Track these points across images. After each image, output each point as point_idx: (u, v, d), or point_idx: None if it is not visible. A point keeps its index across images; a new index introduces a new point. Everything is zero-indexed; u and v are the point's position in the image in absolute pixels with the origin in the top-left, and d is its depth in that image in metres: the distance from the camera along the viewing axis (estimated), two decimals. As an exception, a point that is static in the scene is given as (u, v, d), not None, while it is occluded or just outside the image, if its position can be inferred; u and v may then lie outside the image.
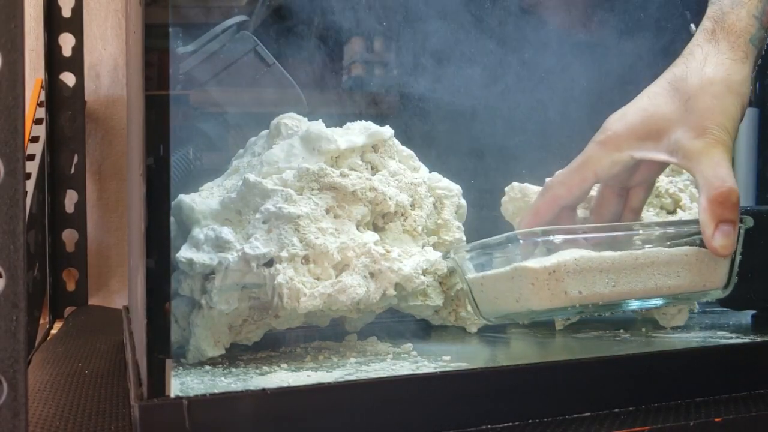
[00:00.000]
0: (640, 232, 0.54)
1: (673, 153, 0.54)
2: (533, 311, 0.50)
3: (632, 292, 0.51)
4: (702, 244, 0.52)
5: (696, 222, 0.52)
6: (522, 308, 0.50)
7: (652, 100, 0.56)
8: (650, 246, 0.52)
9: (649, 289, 0.51)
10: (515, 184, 0.65)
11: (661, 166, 0.59)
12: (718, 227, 0.51)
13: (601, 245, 0.51)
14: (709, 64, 0.55)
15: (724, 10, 0.56)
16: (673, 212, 0.65)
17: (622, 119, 0.57)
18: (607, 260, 0.50)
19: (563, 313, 0.50)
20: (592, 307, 0.50)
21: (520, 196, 0.64)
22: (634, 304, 0.52)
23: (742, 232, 0.54)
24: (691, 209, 0.64)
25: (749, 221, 0.54)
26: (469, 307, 0.58)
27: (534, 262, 0.49)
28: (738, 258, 0.54)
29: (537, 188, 0.64)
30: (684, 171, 0.66)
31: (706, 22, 0.57)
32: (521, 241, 0.50)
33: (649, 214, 0.63)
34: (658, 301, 0.53)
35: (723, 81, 0.54)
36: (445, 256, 0.57)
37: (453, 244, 0.60)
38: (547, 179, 0.59)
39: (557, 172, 0.59)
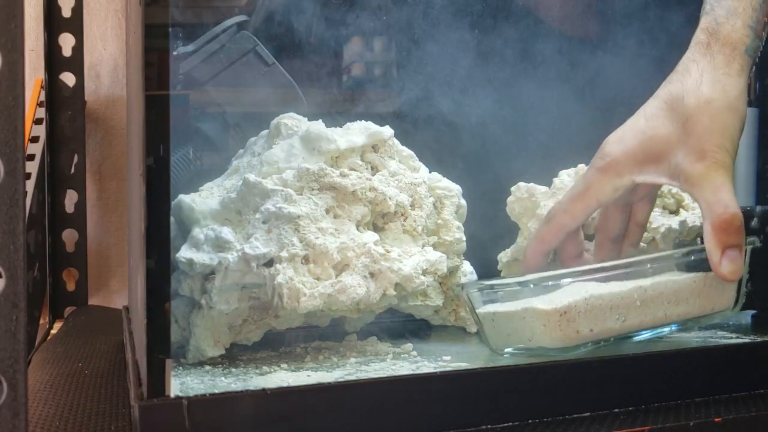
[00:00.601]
0: (649, 266, 0.53)
1: (674, 177, 0.53)
2: (546, 349, 0.50)
3: (642, 324, 0.51)
4: (708, 269, 0.52)
5: (702, 249, 0.52)
6: (534, 345, 0.50)
7: (650, 122, 0.55)
8: (658, 276, 0.53)
9: (659, 318, 0.52)
10: (521, 184, 0.65)
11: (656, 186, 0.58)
12: (724, 253, 0.51)
13: (609, 277, 0.52)
14: (706, 81, 0.54)
15: (719, 21, 0.55)
16: (675, 212, 0.65)
17: (620, 143, 0.55)
18: (616, 296, 0.51)
19: (576, 350, 0.50)
20: (603, 342, 0.51)
21: (527, 196, 0.64)
22: (645, 335, 0.53)
23: (748, 252, 0.54)
24: (694, 209, 0.65)
25: (756, 241, 0.54)
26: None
27: (545, 303, 0.49)
28: (746, 277, 0.54)
29: (543, 188, 0.64)
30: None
31: (700, 35, 0.55)
32: (532, 286, 0.51)
33: (654, 215, 0.63)
34: (669, 329, 0.53)
35: (720, 99, 0.53)
36: (460, 288, 0.56)
37: (453, 245, 0.60)
38: (552, 205, 0.59)
39: (560, 201, 0.59)
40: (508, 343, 0.52)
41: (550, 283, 0.51)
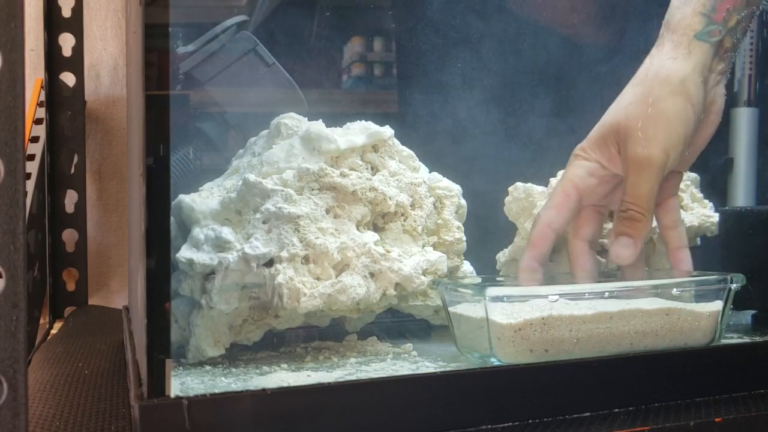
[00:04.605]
0: (620, 292, 0.52)
1: (616, 164, 0.56)
2: (501, 362, 0.49)
3: (604, 351, 0.50)
4: (686, 301, 0.52)
5: (686, 279, 0.53)
6: (489, 355, 0.49)
7: (613, 107, 0.57)
8: (630, 303, 0.51)
9: (623, 347, 0.50)
10: (519, 184, 0.65)
11: (673, 184, 0.58)
12: (617, 239, 0.55)
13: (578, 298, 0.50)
14: (653, 66, 0.55)
15: (672, 11, 0.57)
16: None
17: (593, 129, 0.58)
18: (577, 319, 0.49)
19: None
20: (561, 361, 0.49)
21: (524, 196, 0.64)
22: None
23: (732, 291, 0.53)
24: (692, 209, 0.64)
25: (741, 279, 0.53)
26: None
27: (502, 316, 0.48)
28: (727, 314, 0.53)
29: (541, 188, 0.64)
30: (684, 172, 0.66)
31: (661, 30, 0.57)
32: (487, 299, 0.48)
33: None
34: None
35: (664, 83, 0.54)
36: (436, 283, 0.56)
37: (453, 245, 0.60)
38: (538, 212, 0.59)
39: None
40: (472, 347, 0.51)
41: (507, 297, 0.49)
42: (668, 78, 0.54)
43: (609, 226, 0.62)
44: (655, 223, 0.62)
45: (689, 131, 0.55)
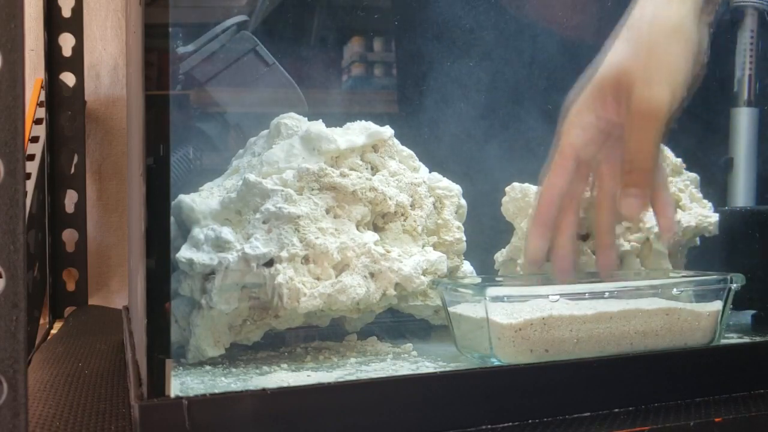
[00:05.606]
0: (622, 292, 0.52)
1: (620, 114, 0.54)
2: (501, 362, 0.49)
3: (604, 351, 0.50)
4: (686, 301, 0.52)
5: (686, 279, 0.52)
6: (490, 356, 0.49)
7: (608, 59, 0.55)
8: (630, 303, 0.51)
9: (623, 347, 0.50)
10: (516, 184, 0.65)
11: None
12: (625, 191, 0.53)
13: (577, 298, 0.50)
14: (647, 12, 0.54)
15: None
16: (673, 212, 0.65)
17: (588, 87, 0.56)
18: (578, 320, 0.49)
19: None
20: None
21: (521, 196, 0.64)
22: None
23: (732, 291, 0.53)
24: (691, 209, 0.64)
25: (741, 279, 0.53)
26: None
27: (502, 316, 0.48)
28: (727, 314, 0.53)
29: (538, 188, 0.64)
30: (683, 171, 0.66)
31: None
32: (487, 299, 0.48)
33: (648, 214, 0.63)
34: None
35: (662, 28, 0.53)
36: (436, 283, 0.56)
37: (453, 245, 0.60)
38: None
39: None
40: (472, 347, 0.51)
41: (508, 297, 0.49)
42: (667, 22, 0.53)
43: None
44: (653, 222, 0.62)
45: (690, 72, 0.54)
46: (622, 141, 0.55)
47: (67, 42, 0.98)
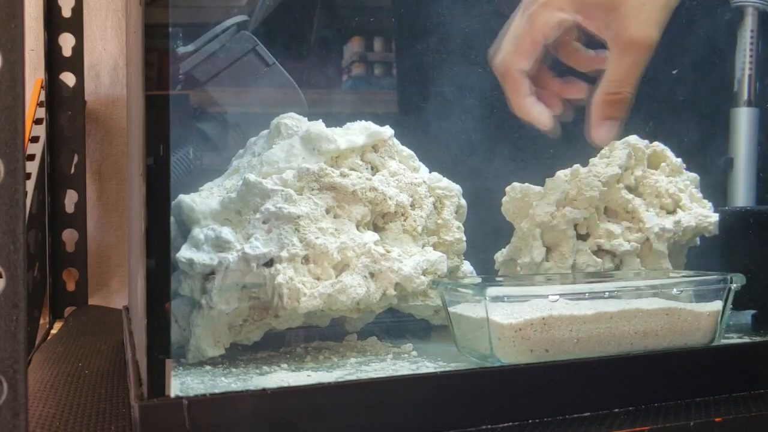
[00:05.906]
0: (621, 292, 0.52)
1: (601, 31, 0.55)
2: (501, 362, 0.49)
3: (605, 351, 0.50)
4: (686, 301, 0.51)
5: (687, 279, 0.52)
6: (490, 356, 0.49)
7: None
8: (630, 303, 0.51)
9: (624, 347, 0.50)
10: (516, 184, 0.65)
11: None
12: (603, 122, 0.55)
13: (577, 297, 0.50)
14: None
15: None
16: (673, 212, 0.65)
17: None
18: (578, 319, 0.49)
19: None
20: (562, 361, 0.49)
21: (521, 196, 0.64)
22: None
23: (732, 291, 0.53)
24: (691, 209, 0.64)
25: (741, 279, 0.53)
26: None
27: (502, 316, 0.48)
28: (727, 314, 0.53)
29: (538, 188, 0.64)
30: (683, 171, 0.66)
31: None
32: (487, 299, 0.48)
33: (649, 215, 0.63)
34: None
35: None
36: (436, 283, 0.56)
37: (453, 245, 0.60)
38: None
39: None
40: (472, 347, 0.51)
41: (508, 296, 0.49)
42: None
43: (608, 226, 0.62)
44: (653, 222, 0.62)
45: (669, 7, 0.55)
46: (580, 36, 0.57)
47: (67, 42, 0.98)
